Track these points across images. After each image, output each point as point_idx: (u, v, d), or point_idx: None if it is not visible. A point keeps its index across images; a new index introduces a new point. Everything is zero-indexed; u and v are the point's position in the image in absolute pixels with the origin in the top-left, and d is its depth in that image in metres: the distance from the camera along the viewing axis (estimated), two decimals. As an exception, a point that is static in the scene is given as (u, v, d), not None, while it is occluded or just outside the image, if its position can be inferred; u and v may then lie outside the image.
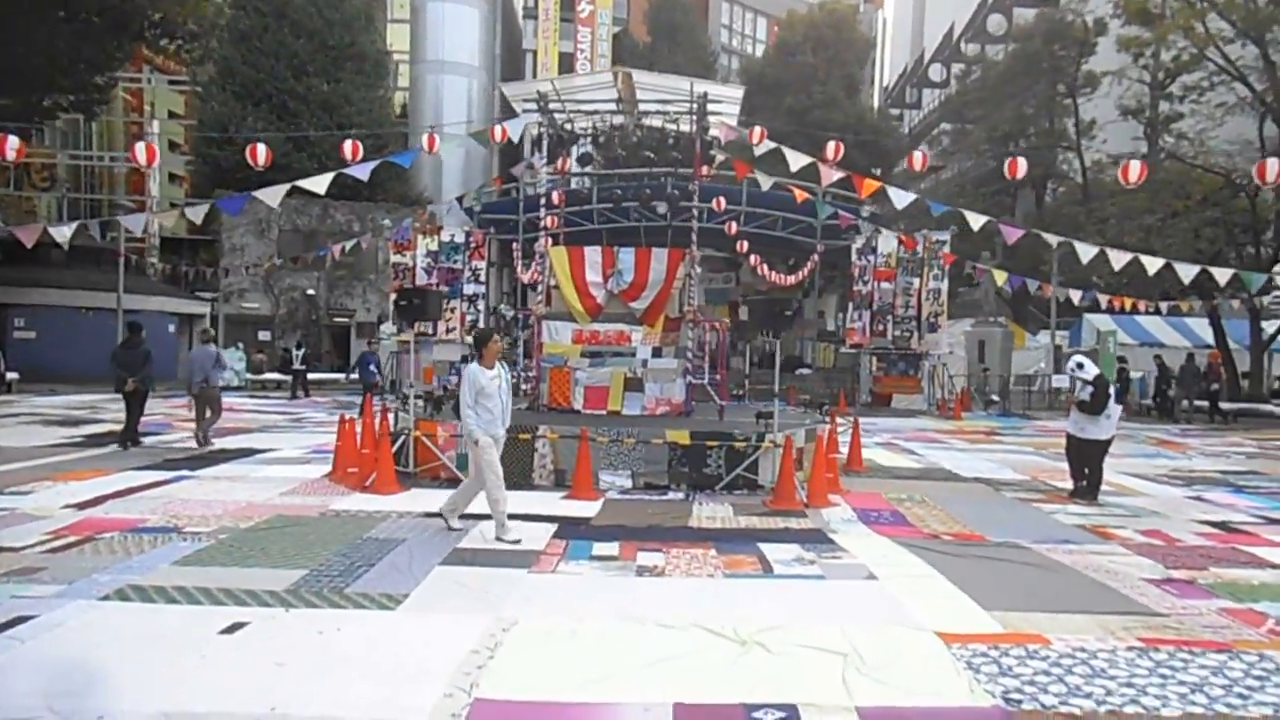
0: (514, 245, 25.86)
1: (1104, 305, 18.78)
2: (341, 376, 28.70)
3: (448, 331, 24.09)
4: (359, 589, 5.22)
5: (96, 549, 6.06)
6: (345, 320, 32.46)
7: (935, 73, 53.70)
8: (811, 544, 6.67)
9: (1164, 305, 21.61)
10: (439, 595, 5.17)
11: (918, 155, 13.28)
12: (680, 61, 42.11)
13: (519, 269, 24.35)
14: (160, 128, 41.76)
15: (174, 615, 4.71)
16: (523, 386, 13.93)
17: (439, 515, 7.19)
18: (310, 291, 31.64)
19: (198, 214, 11.20)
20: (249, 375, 26.34)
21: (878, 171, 33.54)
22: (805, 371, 27.18)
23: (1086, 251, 11.52)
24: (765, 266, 18.29)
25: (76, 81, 21.57)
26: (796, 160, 10.83)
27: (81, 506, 7.48)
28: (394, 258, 23.58)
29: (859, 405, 22.58)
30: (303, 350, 25.00)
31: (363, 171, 11.43)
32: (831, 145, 11.47)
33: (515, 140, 11.82)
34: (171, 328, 27.58)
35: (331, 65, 35.05)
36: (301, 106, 33.88)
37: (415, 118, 44.46)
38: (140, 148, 10.03)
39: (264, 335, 31.39)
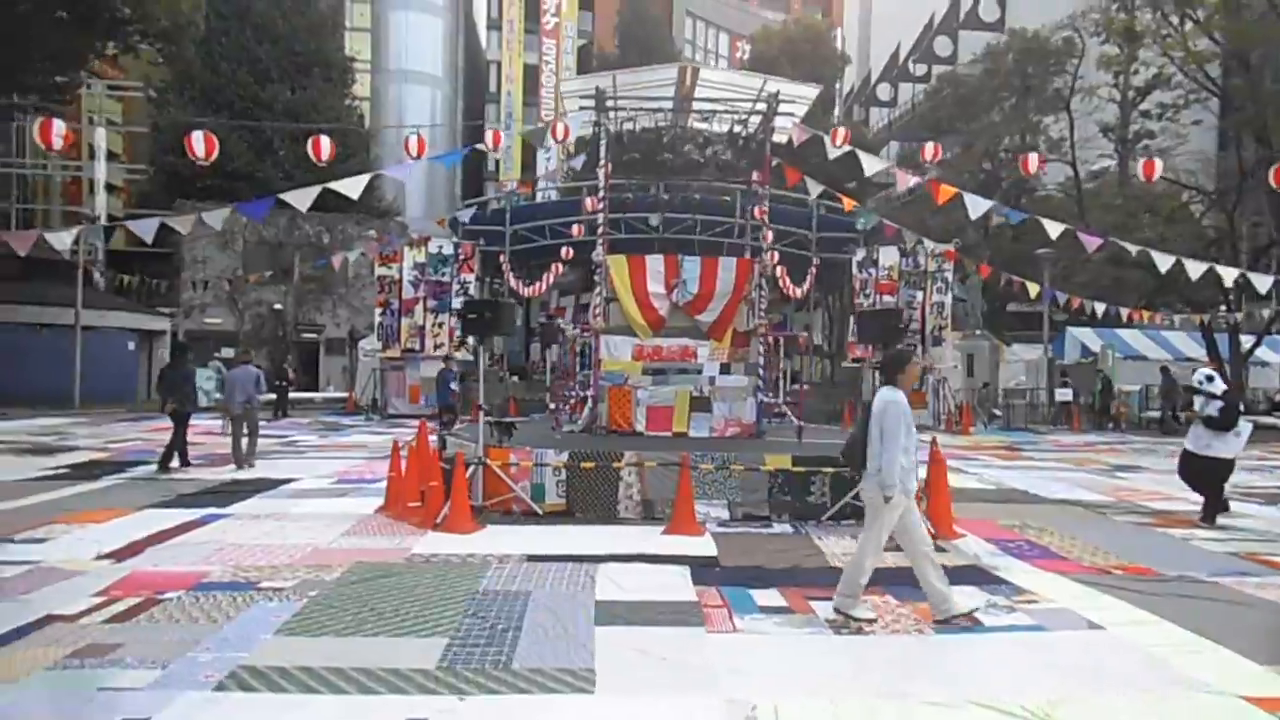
0: (501, 256, 24.89)
1: (1124, 317, 18.69)
2: (317, 395, 27.22)
3: (435, 348, 22.94)
4: (526, 663, 4.28)
5: (169, 614, 4.98)
6: (314, 335, 30.93)
7: (883, 92, 54.51)
8: (987, 585, 5.92)
9: (1177, 319, 21.65)
10: (629, 669, 4.26)
11: (929, 147, 12.35)
12: (651, 74, 41.66)
13: (512, 281, 23.35)
14: (105, 137, 39.44)
15: (323, 711, 3.72)
16: (552, 405, 12.98)
17: (548, 560, 6.28)
18: (278, 306, 30.02)
19: (210, 220, 9.95)
20: (219, 396, 24.67)
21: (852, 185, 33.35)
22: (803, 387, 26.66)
23: (1164, 261, 11.14)
24: (787, 279, 17.67)
25: (39, 81, 19.89)
26: (871, 164, 10.22)
27: (118, 557, 6.33)
28: (380, 270, 22.37)
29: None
30: (287, 367, 23.68)
31: (403, 172, 10.42)
32: (930, 146, 10.88)
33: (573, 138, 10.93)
34: (131, 345, 25.76)
35: (296, 71, 33.61)
36: (265, 113, 32.31)
37: (377, 126, 43.09)
38: (198, 137, 8.77)
39: (227, 352, 29.57)
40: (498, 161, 52.96)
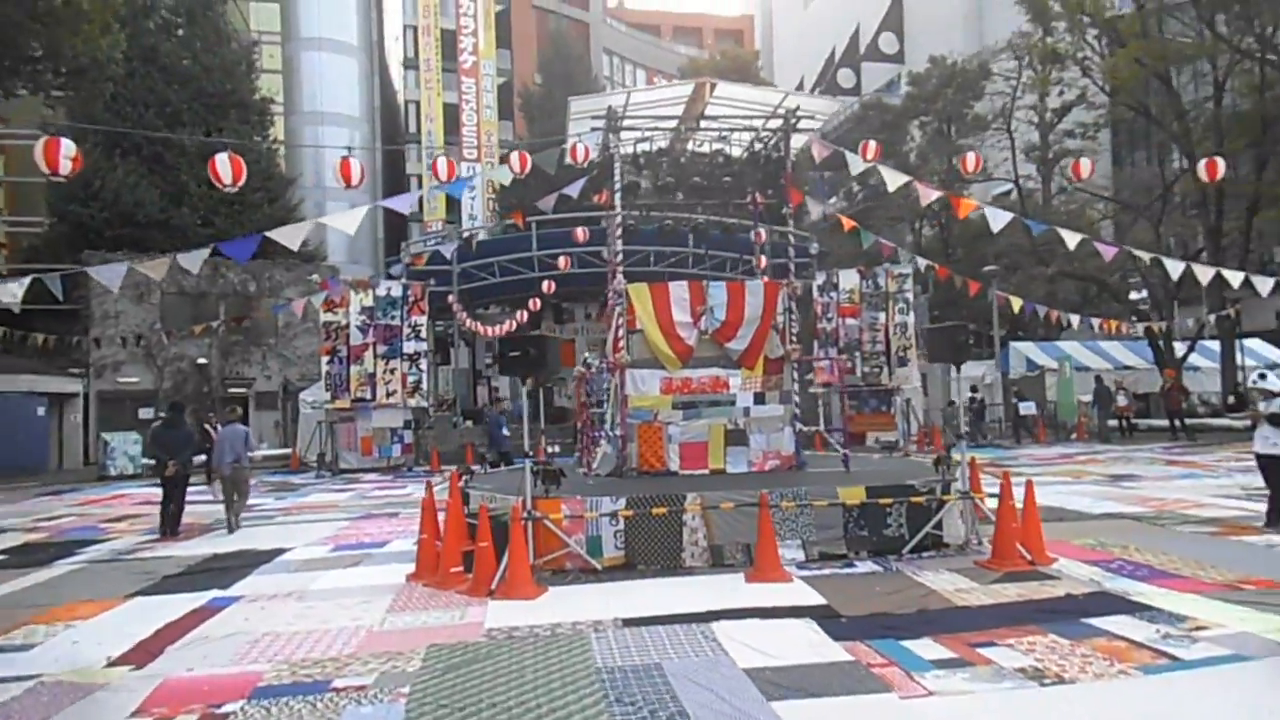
0: (450, 298, 23.84)
1: (1095, 328, 19.15)
2: (256, 454, 25.20)
3: (388, 395, 21.65)
4: (730, 759, 3.54)
5: (245, 735, 4.01)
6: (243, 390, 28.92)
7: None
8: (1142, 615, 5.45)
9: (1140, 327, 22.37)
10: (854, 755, 3.57)
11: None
12: (579, 109, 41.36)
13: (467, 321, 22.36)
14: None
15: None
16: (549, 448, 12.16)
17: (649, 624, 5.52)
18: (202, 361, 28.00)
19: (193, 261, 8.86)
20: (145, 461, 22.57)
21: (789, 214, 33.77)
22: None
23: (1175, 268, 11.26)
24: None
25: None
26: (894, 180, 9.93)
27: (136, 662, 5.23)
28: (325, 316, 21.01)
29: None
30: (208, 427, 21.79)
31: (404, 204, 9.57)
32: (972, 156, 10.66)
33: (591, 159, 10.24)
34: (41, 410, 23.49)
35: (209, 114, 31.90)
36: (179, 158, 30.56)
37: (294, 170, 41.38)
38: (223, 160, 7.69)
39: (145, 413, 27.23)
40: (421, 200, 51.63)
